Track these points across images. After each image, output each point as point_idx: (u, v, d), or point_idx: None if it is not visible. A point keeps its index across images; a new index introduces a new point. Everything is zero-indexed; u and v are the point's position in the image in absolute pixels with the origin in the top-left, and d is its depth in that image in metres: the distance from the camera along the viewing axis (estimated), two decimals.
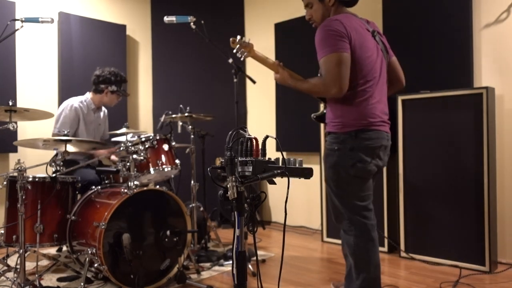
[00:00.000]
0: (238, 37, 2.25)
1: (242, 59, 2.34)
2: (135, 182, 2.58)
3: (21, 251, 2.35)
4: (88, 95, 3.40)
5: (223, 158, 1.28)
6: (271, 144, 1.49)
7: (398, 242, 3.23)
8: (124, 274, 2.43)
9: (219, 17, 4.76)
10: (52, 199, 2.61)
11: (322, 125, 3.72)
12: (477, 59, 3.19)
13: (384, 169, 3.32)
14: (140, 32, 4.82)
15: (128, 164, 2.68)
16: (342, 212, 2.11)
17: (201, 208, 3.45)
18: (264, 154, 1.29)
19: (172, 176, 3.19)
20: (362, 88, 2.03)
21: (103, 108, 3.56)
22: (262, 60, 2.30)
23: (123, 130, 2.77)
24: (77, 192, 2.85)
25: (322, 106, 2.35)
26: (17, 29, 2.72)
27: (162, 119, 3.29)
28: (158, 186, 2.75)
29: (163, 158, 2.84)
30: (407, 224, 3.19)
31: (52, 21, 2.73)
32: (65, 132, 2.60)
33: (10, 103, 2.28)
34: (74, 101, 3.32)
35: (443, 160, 3.02)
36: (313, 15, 2.18)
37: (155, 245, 2.55)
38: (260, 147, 1.29)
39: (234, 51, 2.29)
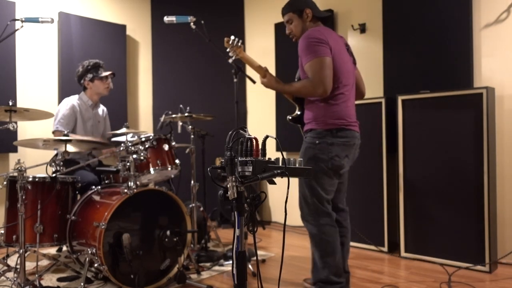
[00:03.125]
0: (232, 37, 2.45)
1: (233, 58, 2.54)
2: (135, 182, 2.58)
3: (21, 251, 2.35)
4: (82, 93, 3.43)
5: (223, 158, 1.28)
6: (271, 144, 1.50)
7: (398, 242, 3.23)
8: (124, 274, 2.42)
9: (219, 17, 4.76)
10: (52, 199, 2.61)
11: None
12: (477, 59, 3.19)
13: (384, 169, 3.33)
14: (140, 32, 4.82)
15: (128, 164, 2.68)
16: (309, 202, 2.31)
17: (201, 208, 3.45)
18: (264, 154, 1.29)
19: (172, 176, 3.19)
20: (341, 92, 2.27)
21: (102, 106, 3.56)
22: (250, 63, 2.50)
23: (123, 130, 2.77)
24: (77, 192, 2.85)
25: (297, 108, 2.49)
26: (17, 29, 2.72)
27: (162, 119, 3.29)
28: (158, 186, 2.75)
29: (163, 158, 2.84)
30: (407, 224, 3.19)
31: (52, 21, 2.73)
32: (65, 132, 2.60)
33: (10, 103, 2.28)
34: (72, 99, 3.37)
35: (443, 160, 3.02)
36: (293, 30, 2.41)
37: (155, 245, 2.55)
38: (260, 147, 1.29)
39: (227, 50, 2.49)
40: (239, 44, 2.47)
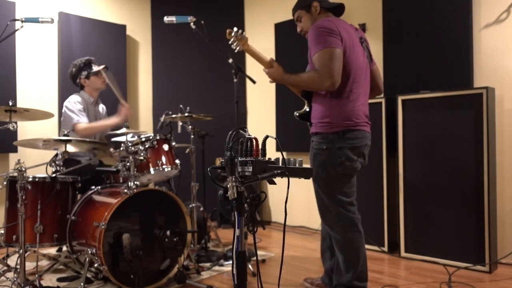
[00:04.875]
0: (235, 29, 2.32)
1: (236, 51, 2.39)
2: (135, 182, 2.58)
3: (21, 251, 2.35)
4: (82, 92, 3.42)
5: (223, 158, 1.28)
6: (271, 144, 1.50)
7: (398, 242, 3.23)
8: (124, 274, 2.42)
9: (219, 17, 4.76)
10: (52, 199, 2.61)
11: None
12: (477, 59, 3.19)
13: (384, 169, 3.33)
14: (140, 32, 4.82)
15: (128, 164, 2.68)
16: (330, 209, 2.21)
17: (201, 208, 3.45)
18: (264, 154, 1.29)
19: (172, 176, 3.19)
20: (350, 89, 2.14)
21: (102, 104, 3.56)
22: (255, 55, 2.36)
23: (123, 130, 2.77)
24: (77, 192, 2.85)
25: (306, 104, 2.38)
26: (17, 29, 2.71)
27: (162, 119, 3.29)
28: (158, 186, 2.75)
29: (163, 158, 2.84)
30: (407, 224, 3.19)
31: (52, 21, 2.73)
32: (65, 132, 2.60)
33: (10, 103, 2.28)
34: (75, 96, 3.35)
35: (443, 160, 3.02)
36: (303, 27, 2.30)
37: (155, 245, 2.55)
38: (260, 147, 1.29)
39: (230, 42, 2.35)
40: (243, 35, 2.32)
